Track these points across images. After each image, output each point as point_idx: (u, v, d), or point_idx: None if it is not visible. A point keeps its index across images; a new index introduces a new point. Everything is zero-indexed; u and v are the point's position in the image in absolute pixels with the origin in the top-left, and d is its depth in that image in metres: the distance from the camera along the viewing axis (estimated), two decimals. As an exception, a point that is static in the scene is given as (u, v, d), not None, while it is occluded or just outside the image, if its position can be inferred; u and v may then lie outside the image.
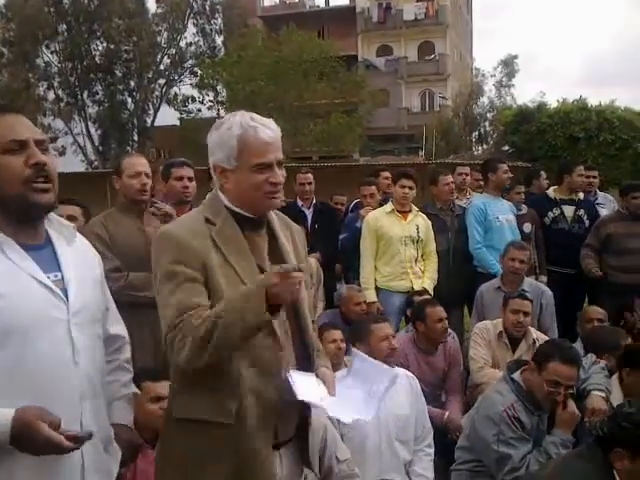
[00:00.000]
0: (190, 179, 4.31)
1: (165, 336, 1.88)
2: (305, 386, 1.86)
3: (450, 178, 5.81)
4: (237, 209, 2.00)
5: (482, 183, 6.38)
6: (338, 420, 3.25)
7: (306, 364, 2.03)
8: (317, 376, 2.00)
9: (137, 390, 2.23)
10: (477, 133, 33.04)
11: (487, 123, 32.77)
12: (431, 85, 38.46)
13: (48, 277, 1.81)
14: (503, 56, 36.95)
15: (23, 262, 1.77)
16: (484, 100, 34.59)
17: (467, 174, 6.81)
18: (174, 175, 4.28)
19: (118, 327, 2.15)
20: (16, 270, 1.75)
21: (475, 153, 28.39)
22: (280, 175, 1.98)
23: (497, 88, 35.50)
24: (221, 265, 1.91)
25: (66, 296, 1.82)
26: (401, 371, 3.55)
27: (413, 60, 38.98)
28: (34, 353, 1.72)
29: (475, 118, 32.39)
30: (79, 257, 1.95)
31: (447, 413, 4.14)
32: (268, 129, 1.97)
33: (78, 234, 2.03)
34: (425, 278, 5.27)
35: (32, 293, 1.75)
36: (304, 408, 2.04)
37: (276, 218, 2.15)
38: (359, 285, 5.30)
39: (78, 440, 1.69)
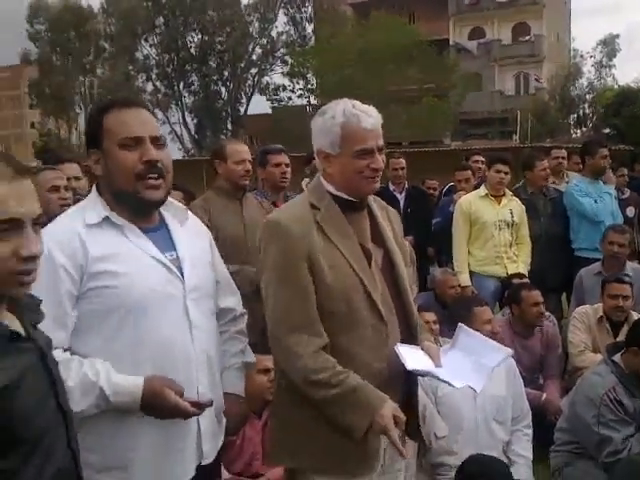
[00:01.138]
0: (287, 165, 4.42)
1: (272, 332, 1.99)
2: (412, 357, 1.93)
3: (546, 163, 5.66)
4: (339, 193, 2.09)
5: (582, 167, 6.20)
6: (440, 389, 3.34)
7: (410, 338, 2.11)
8: (422, 349, 2.07)
9: (252, 359, 2.32)
10: (575, 116, 31.77)
11: (586, 105, 31.45)
12: (526, 67, 37.24)
13: (165, 256, 1.95)
14: (603, 35, 35.31)
15: (143, 243, 1.92)
16: (582, 82, 33.20)
17: (564, 157, 6.59)
18: (272, 162, 4.39)
19: (230, 299, 2.24)
20: (137, 251, 1.90)
21: (573, 136, 27.33)
22: (380, 161, 2.06)
23: (597, 69, 33.98)
24: (325, 247, 2.01)
25: (181, 274, 1.96)
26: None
27: (507, 42, 37.85)
28: (154, 329, 1.86)
29: (573, 100, 31.15)
30: (191, 236, 2.08)
31: (544, 395, 4.14)
32: (370, 117, 2.04)
33: (190, 213, 2.17)
34: (519, 262, 5.20)
35: (152, 272, 1.90)
36: (409, 380, 2.12)
37: (374, 201, 2.23)
38: (452, 269, 5.32)
39: (200, 406, 1.85)
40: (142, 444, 1.86)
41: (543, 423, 3.88)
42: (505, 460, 3.42)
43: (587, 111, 31.16)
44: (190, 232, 2.09)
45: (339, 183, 2.08)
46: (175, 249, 1.99)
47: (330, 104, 2.12)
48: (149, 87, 37.81)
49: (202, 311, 2.00)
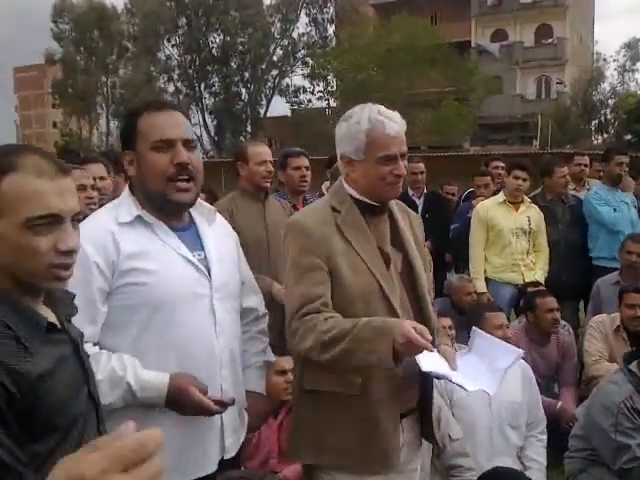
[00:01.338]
0: (307, 168, 4.46)
1: (289, 323, 2.04)
2: (428, 360, 1.98)
3: (566, 170, 5.61)
4: (361, 197, 2.15)
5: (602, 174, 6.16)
6: (457, 390, 3.37)
7: None
8: (438, 352, 2.11)
9: (272, 358, 2.39)
10: (597, 121, 31.49)
11: (608, 110, 31.16)
12: (548, 71, 36.89)
13: (193, 255, 2.01)
14: (627, 39, 35.03)
15: (173, 242, 1.99)
16: (605, 86, 32.92)
17: (586, 164, 6.51)
18: (292, 165, 4.44)
19: (253, 299, 2.31)
20: (167, 249, 1.96)
21: (594, 143, 27.08)
22: (403, 167, 2.11)
23: (620, 73, 33.68)
24: (344, 250, 2.07)
25: (209, 273, 2.02)
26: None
27: (529, 45, 37.52)
28: (180, 326, 1.93)
29: (595, 105, 30.87)
30: (219, 236, 2.15)
31: (559, 403, 4.16)
32: (394, 123, 2.09)
33: (218, 214, 2.23)
34: (537, 270, 5.19)
35: (180, 270, 1.96)
36: (425, 383, 2.18)
37: (395, 205, 2.28)
38: (469, 275, 5.33)
39: (223, 405, 1.92)
40: (165, 437, 1.90)
41: (558, 430, 3.90)
42: (519, 465, 3.45)
43: (609, 117, 30.90)
44: (217, 232, 2.16)
45: (362, 188, 2.14)
46: (203, 248, 2.05)
47: (355, 109, 2.16)
48: (170, 88, 38.13)
49: (227, 310, 2.06)
